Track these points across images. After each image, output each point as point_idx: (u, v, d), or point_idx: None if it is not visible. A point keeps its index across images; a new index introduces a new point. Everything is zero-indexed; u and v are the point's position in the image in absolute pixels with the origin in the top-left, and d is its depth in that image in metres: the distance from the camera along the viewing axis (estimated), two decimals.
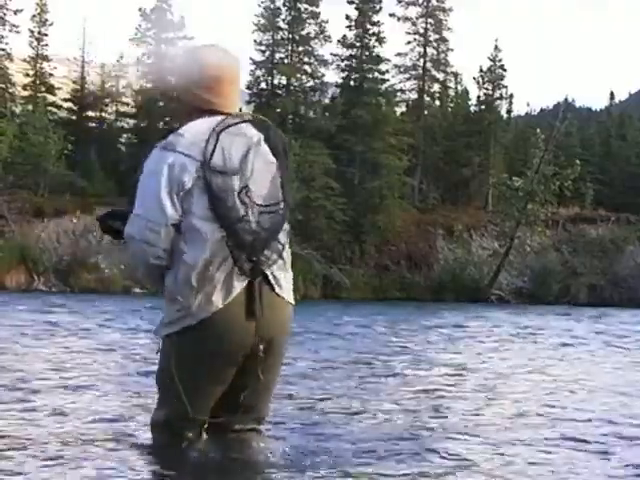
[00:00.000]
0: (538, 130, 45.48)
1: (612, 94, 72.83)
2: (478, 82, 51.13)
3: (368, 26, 47.52)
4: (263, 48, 47.43)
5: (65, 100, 47.88)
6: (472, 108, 53.72)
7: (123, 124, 49.43)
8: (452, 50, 51.56)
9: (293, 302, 3.59)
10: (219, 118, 3.49)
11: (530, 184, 42.99)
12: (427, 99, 52.14)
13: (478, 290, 41.36)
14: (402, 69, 51.13)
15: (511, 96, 55.43)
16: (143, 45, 46.23)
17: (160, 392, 3.59)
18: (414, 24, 51.04)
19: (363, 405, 5.59)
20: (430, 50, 51.28)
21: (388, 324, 17.36)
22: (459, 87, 55.95)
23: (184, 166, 3.37)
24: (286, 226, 3.53)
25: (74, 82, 48.22)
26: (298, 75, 47.27)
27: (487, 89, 50.95)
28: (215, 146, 3.39)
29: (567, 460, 4.08)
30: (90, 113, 48.34)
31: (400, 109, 52.49)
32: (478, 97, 52.33)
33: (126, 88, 49.03)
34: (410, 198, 47.17)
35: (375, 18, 47.75)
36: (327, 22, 47.48)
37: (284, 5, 47.58)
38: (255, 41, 47.23)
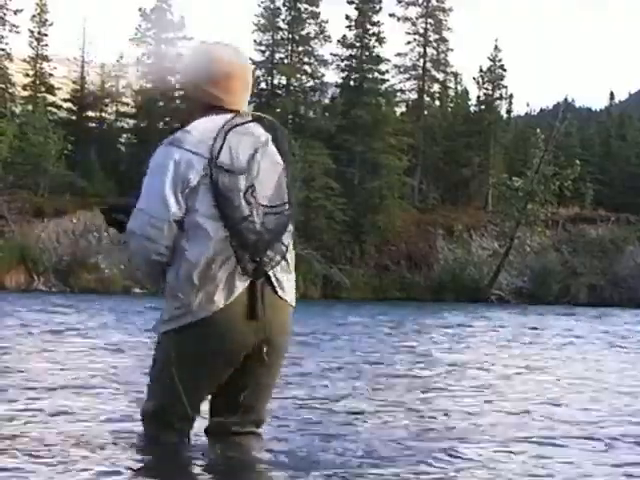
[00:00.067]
0: (538, 130, 45.55)
1: (612, 94, 72.99)
2: (478, 82, 51.20)
3: (368, 26, 47.57)
4: (263, 48, 47.49)
5: (65, 100, 47.90)
6: (472, 108, 53.78)
7: (123, 124, 49.46)
8: (452, 50, 51.75)
9: (294, 304, 3.58)
10: (227, 116, 3.47)
11: (530, 184, 43.03)
12: (427, 99, 52.20)
13: (478, 290, 41.37)
14: (402, 69, 51.19)
15: (511, 96, 55.57)
16: (143, 45, 46.28)
17: (152, 384, 3.58)
18: (414, 24, 51.10)
19: (368, 405, 5.58)
20: (430, 50, 51.33)
21: (392, 324, 17.37)
22: (459, 87, 56.04)
23: (190, 163, 3.35)
24: (290, 228, 3.52)
25: (74, 82, 48.26)
26: (298, 75, 47.30)
27: (487, 89, 51.01)
28: (223, 144, 3.37)
29: (575, 459, 4.07)
30: (90, 113, 48.38)
31: (400, 109, 52.54)
32: (478, 97, 52.43)
33: (126, 88, 49.07)
34: (410, 198, 47.19)
35: (375, 18, 47.84)
36: (327, 22, 47.63)
37: (284, 5, 47.62)
38: (255, 41, 47.32)
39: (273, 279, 3.44)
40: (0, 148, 38.47)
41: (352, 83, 47.66)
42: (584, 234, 45.99)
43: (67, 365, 7.43)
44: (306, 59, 47.78)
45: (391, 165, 44.83)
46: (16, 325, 12.66)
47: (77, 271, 37.32)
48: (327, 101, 49.72)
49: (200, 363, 3.40)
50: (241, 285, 3.35)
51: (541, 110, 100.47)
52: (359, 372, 7.78)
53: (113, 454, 3.72)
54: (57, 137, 40.84)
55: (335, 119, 45.83)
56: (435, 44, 51.29)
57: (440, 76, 52.21)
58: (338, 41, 47.85)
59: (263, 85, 47.73)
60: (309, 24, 47.47)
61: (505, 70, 51.13)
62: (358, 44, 47.65)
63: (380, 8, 47.89)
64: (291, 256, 3.56)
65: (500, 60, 50.78)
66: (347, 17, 47.69)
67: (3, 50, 45.26)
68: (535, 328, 17.20)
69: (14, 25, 45.45)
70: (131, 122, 48.55)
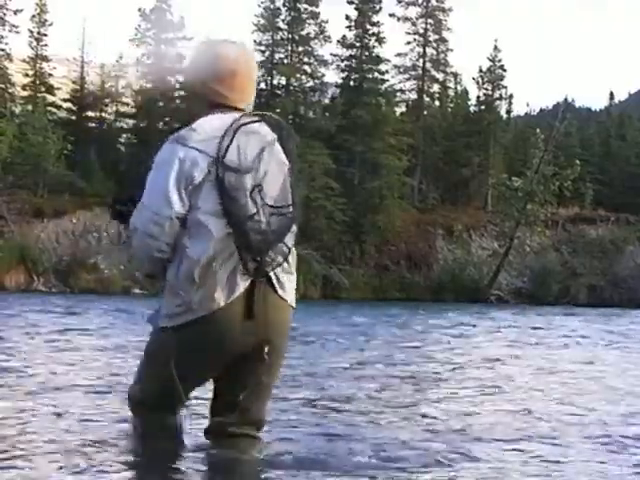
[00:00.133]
0: (538, 130, 45.57)
1: (612, 94, 73.04)
2: (478, 82, 51.22)
3: (368, 26, 47.58)
4: (263, 48, 47.48)
5: (65, 100, 47.87)
6: (472, 108, 53.80)
7: (123, 124, 49.42)
8: (452, 50, 51.77)
9: (294, 305, 3.57)
10: (235, 115, 3.47)
11: (530, 184, 43.05)
12: (427, 99, 52.21)
13: (478, 290, 41.38)
14: (402, 69, 51.21)
15: (511, 96, 55.58)
16: (143, 45, 46.24)
17: (145, 369, 3.58)
18: (414, 24, 51.12)
19: (375, 406, 5.57)
20: (430, 50, 51.35)
21: (396, 324, 17.39)
22: (459, 87, 56.06)
23: (195, 161, 3.35)
24: (294, 229, 3.51)
25: (74, 82, 48.23)
26: (298, 75, 47.29)
27: (487, 89, 51.03)
28: (230, 143, 3.36)
29: (583, 459, 4.07)
30: (90, 113, 48.36)
31: (400, 109, 52.55)
32: (478, 97, 52.46)
33: (126, 88, 49.06)
34: (410, 198, 47.21)
35: (375, 18, 47.84)
36: (327, 22, 47.61)
37: (284, 5, 47.64)
38: (255, 41, 47.28)
39: (274, 279, 3.43)
40: (0, 148, 38.45)
41: (352, 83, 47.66)
42: (584, 234, 46.00)
43: (74, 366, 7.43)
44: (306, 59, 47.78)
45: (391, 165, 44.84)
46: (20, 326, 12.65)
47: (77, 271, 37.30)
48: (327, 101, 49.72)
49: (199, 359, 3.42)
50: (242, 284, 3.34)
51: (541, 110, 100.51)
52: (365, 372, 7.77)
53: (113, 454, 3.73)
54: (57, 137, 40.82)
55: (335, 119, 45.84)
56: (435, 44, 51.32)
57: (440, 76, 52.26)
58: (338, 41, 47.89)
59: (263, 85, 47.69)
60: (309, 24, 47.49)
61: (505, 70, 51.19)
62: (358, 44, 47.66)
63: (380, 8, 47.94)
64: (293, 257, 3.55)
65: (500, 60, 50.84)
66: (347, 17, 47.73)
67: (3, 50, 45.23)
68: (540, 328, 17.20)
69: (14, 25, 45.44)
70: (131, 122, 48.53)
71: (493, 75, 50.80)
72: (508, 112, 56.15)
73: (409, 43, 51.13)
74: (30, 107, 44.95)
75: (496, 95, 51.38)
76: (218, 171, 3.33)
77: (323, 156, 42.49)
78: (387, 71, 48.93)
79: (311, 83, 48.07)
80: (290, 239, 3.47)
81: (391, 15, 50.39)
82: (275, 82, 48.10)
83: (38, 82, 46.85)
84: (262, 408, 3.61)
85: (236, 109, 3.53)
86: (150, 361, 3.55)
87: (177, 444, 3.64)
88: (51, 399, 5.36)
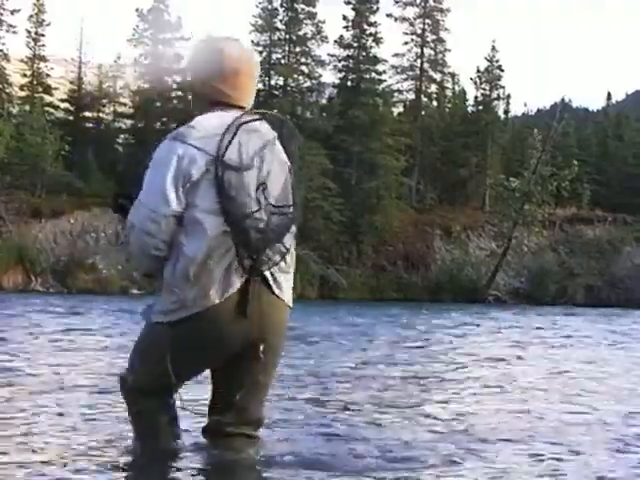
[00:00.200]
0: (535, 130, 45.61)
1: (609, 94, 73.36)
2: (475, 82, 51.25)
3: (365, 26, 47.57)
4: (260, 49, 47.41)
5: (62, 100, 47.80)
6: (469, 108, 53.81)
7: (120, 125, 49.39)
8: (449, 50, 51.79)
9: (291, 305, 3.56)
10: (235, 113, 3.46)
11: (527, 184, 43.10)
12: (424, 99, 52.19)
13: (475, 290, 41.39)
14: (399, 69, 51.21)
15: (508, 96, 55.48)
16: (140, 46, 46.19)
17: (138, 359, 3.57)
18: (411, 24, 51.12)
19: (379, 407, 5.57)
20: (427, 50, 51.38)
21: (398, 324, 17.39)
22: (456, 87, 56.02)
23: (193, 158, 3.34)
24: (293, 229, 3.50)
25: (71, 82, 48.19)
26: (295, 76, 47.29)
27: (484, 89, 51.05)
28: (231, 141, 3.35)
29: (588, 459, 4.07)
30: (87, 114, 48.30)
31: (397, 109, 52.53)
32: (475, 97, 52.46)
33: (123, 89, 49.01)
34: (407, 198, 47.21)
35: (372, 19, 47.83)
36: (324, 23, 47.64)
37: (281, 6, 47.66)
38: (252, 42, 47.20)
39: (270, 278, 3.42)
40: None
41: (349, 83, 47.66)
42: (581, 235, 46.04)
43: (77, 366, 7.43)
44: (303, 59, 47.79)
45: (388, 165, 44.83)
46: (24, 326, 12.64)
47: (75, 272, 37.24)
48: (324, 101, 49.70)
49: (192, 356, 3.42)
50: (237, 282, 3.34)
51: (538, 110, 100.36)
52: (368, 372, 7.77)
53: (116, 454, 3.73)
54: (54, 137, 40.75)
55: (332, 119, 45.82)
56: (432, 44, 51.32)
57: (437, 76, 52.25)
58: (335, 41, 47.89)
59: (260, 86, 47.66)
60: (306, 25, 47.50)
61: (502, 70, 51.21)
62: (355, 44, 47.65)
63: (377, 8, 47.95)
64: (292, 258, 3.55)
65: (497, 60, 50.84)
66: (344, 17, 47.70)
67: (0, 50, 45.21)
68: (541, 328, 17.21)
69: (11, 25, 45.39)
70: (128, 122, 48.50)
71: (491, 75, 50.82)
72: (506, 112, 56.17)
73: (407, 43, 51.18)
74: (28, 107, 44.85)
75: (494, 95, 51.42)
76: (217, 169, 3.32)
77: (320, 156, 42.45)
78: (384, 71, 48.98)
79: (308, 83, 48.09)
80: (289, 239, 3.46)
81: (388, 15, 50.45)
82: (272, 82, 48.10)
83: (36, 82, 46.78)
84: (259, 407, 3.61)
85: (237, 107, 3.52)
86: (144, 358, 3.54)
87: (176, 429, 3.63)
88: (55, 399, 5.36)
